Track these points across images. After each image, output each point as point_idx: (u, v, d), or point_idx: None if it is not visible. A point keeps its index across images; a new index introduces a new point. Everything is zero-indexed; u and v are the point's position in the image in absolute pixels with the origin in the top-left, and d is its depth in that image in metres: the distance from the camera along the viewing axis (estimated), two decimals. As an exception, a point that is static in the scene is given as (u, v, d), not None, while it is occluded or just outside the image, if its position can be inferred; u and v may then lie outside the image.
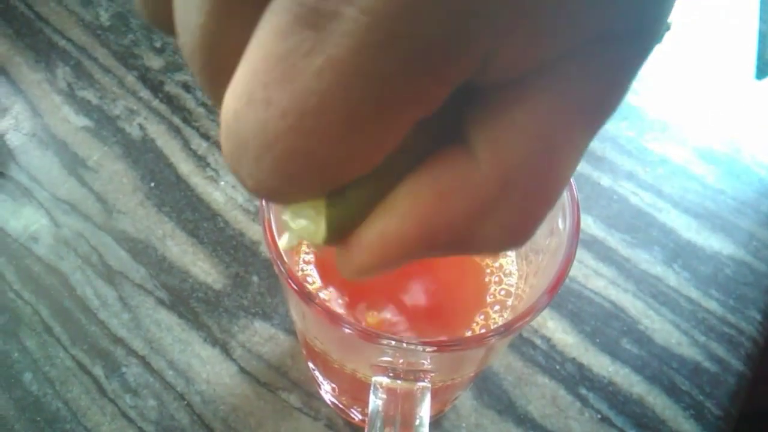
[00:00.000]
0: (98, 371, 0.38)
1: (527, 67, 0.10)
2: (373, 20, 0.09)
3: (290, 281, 0.21)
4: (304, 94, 0.09)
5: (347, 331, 0.20)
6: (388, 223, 0.12)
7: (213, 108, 0.50)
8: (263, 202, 0.23)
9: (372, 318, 0.29)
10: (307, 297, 0.21)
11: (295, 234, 0.12)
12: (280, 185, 0.11)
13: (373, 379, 0.24)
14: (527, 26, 0.09)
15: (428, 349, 0.20)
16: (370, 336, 0.20)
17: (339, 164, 0.10)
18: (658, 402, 0.38)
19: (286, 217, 0.12)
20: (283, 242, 0.13)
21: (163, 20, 0.12)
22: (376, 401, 0.24)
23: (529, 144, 0.11)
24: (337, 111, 0.09)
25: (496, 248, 0.12)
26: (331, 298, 0.30)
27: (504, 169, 0.11)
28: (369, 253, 0.12)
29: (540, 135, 0.11)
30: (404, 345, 0.20)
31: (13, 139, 0.48)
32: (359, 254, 0.12)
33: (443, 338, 0.22)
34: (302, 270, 0.30)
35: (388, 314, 0.29)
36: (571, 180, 0.24)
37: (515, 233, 0.12)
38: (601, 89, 0.11)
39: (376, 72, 0.09)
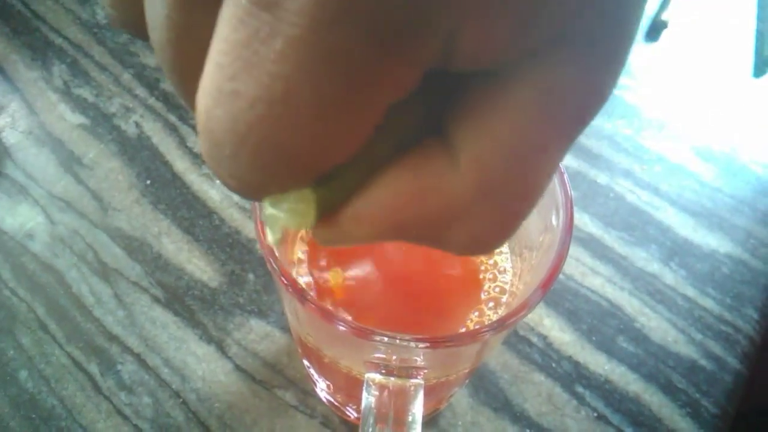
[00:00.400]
0: (93, 369, 0.38)
1: (495, 55, 0.10)
2: None
3: (283, 278, 0.21)
4: (269, 80, 0.09)
5: (340, 327, 0.20)
6: (364, 208, 0.12)
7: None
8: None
9: (335, 277, 0.29)
10: (300, 294, 0.21)
11: (280, 224, 0.12)
12: (261, 180, 0.10)
13: (366, 375, 0.24)
14: (486, 4, 0.09)
15: (421, 345, 0.20)
16: (362, 332, 0.20)
17: (315, 152, 0.10)
18: (654, 400, 0.38)
19: (266, 209, 0.12)
20: (269, 237, 0.13)
21: (135, 22, 0.11)
22: (368, 398, 0.24)
23: (507, 157, 0.11)
24: (304, 95, 0.09)
25: (462, 251, 0.12)
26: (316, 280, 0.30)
27: (481, 180, 0.11)
28: (341, 232, 0.12)
29: (518, 147, 0.11)
30: (397, 341, 0.20)
31: (9, 137, 0.48)
32: (333, 231, 0.12)
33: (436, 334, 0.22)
34: (296, 261, 0.30)
35: (353, 273, 0.29)
36: (565, 176, 0.24)
37: (482, 242, 0.12)
38: (579, 97, 0.11)
39: (335, 50, 0.09)
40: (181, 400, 0.37)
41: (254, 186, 0.11)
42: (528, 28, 0.10)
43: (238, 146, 0.10)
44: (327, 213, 0.12)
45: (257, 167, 0.10)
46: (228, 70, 0.09)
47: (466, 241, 0.12)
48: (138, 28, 0.11)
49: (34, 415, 0.36)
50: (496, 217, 0.12)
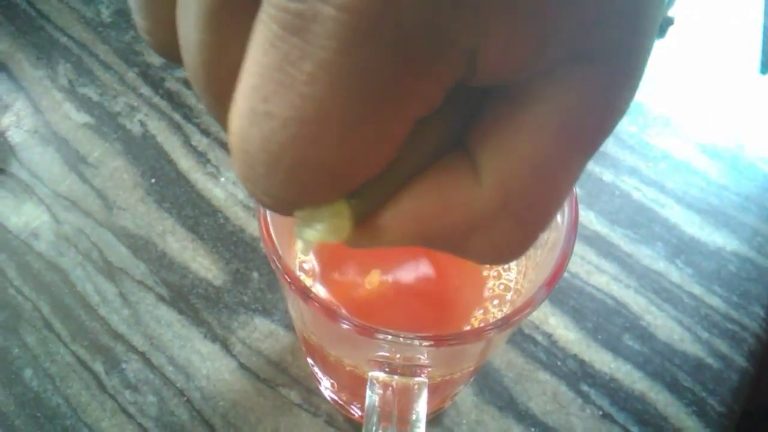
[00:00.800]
0: (98, 367, 0.38)
1: (516, 72, 0.10)
2: (352, 17, 0.09)
3: (286, 277, 0.21)
4: (301, 101, 0.09)
5: (343, 326, 0.20)
6: (392, 218, 0.12)
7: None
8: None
9: (372, 279, 0.29)
10: (304, 292, 0.21)
11: (316, 238, 0.12)
12: (296, 197, 0.11)
13: (370, 374, 0.24)
14: (507, 20, 0.09)
15: (425, 343, 0.20)
16: (366, 330, 0.20)
17: (347, 168, 0.10)
18: (660, 399, 0.38)
19: (300, 225, 0.12)
20: (301, 251, 0.13)
21: (170, 48, 0.12)
22: (372, 396, 0.24)
23: (528, 174, 0.11)
24: (335, 113, 0.09)
25: (483, 261, 0.13)
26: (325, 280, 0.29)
27: (503, 195, 0.12)
28: (370, 238, 0.13)
29: (539, 164, 0.11)
30: (401, 339, 0.20)
31: (15, 136, 0.48)
32: (362, 238, 0.13)
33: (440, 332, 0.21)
34: (300, 259, 0.30)
35: (356, 271, 0.29)
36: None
37: (503, 253, 0.13)
38: (597, 113, 0.11)
39: (363, 70, 0.09)
40: (185, 398, 0.37)
41: (288, 202, 0.11)
42: (547, 45, 0.10)
43: (272, 165, 0.10)
44: (358, 223, 0.13)
45: (291, 185, 0.10)
46: (261, 92, 0.10)
47: (488, 252, 0.13)
48: (173, 52, 0.12)
49: (39, 414, 0.37)
50: (517, 230, 0.12)
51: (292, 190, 0.11)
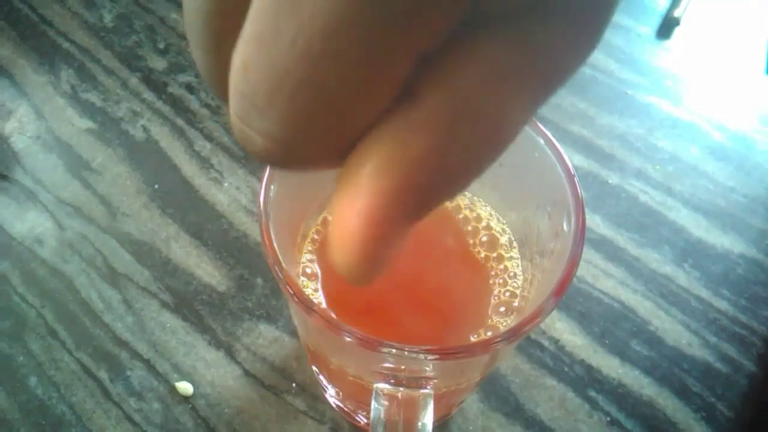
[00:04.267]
0: (103, 374, 0.38)
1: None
2: None
3: (289, 288, 0.21)
4: (311, 16, 0.09)
5: (347, 338, 0.20)
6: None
7: (217, 109, 0.49)
8: (261, 205, 0.23)
9: None
10: (306, 304, 0.21)
11: None
12: (294, 132, 0.10)
13: (375, 386, 0.24)
14: None
15: (430, 356, 0.20)
16: (371, 343, 0.20)
17: (351, 97, 0.10)
18: (668, 404, 0.37)
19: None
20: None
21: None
22: (378, 408, 0.23)
23: (474, 89, 0.11)
24: (344, 31, 0.09)
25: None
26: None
27: (445, 110, 0.11)
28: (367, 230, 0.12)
29: (484, 83, 0.11)
30: (406, 352, 0.20)
31: (18, 142, 0.48)
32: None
33: (446, 344, 0.21)
34: (304, 264, 0.30)
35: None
36: (576, 180, 0.23)
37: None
38: (556, 54, 0.11)
39: None
40: (190, 405, 0.37)
41: (286, 141, 0.11)
42: None
43: (275, 90, 0.10)
44: None
45: (291, 115, 0.10)
46: (270, 14, 0.09)
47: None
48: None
49: (43, 422, 0.36)
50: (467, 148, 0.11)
51: (290, 122, 0.10)
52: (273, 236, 0.22)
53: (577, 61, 0.12)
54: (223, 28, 0.11)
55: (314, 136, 0.11)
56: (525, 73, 0.11)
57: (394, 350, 0.19)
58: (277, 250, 0.22)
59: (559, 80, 0.12)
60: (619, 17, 0.56)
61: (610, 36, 0.55)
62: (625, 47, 0.54)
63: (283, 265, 0.21)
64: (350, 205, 0.11)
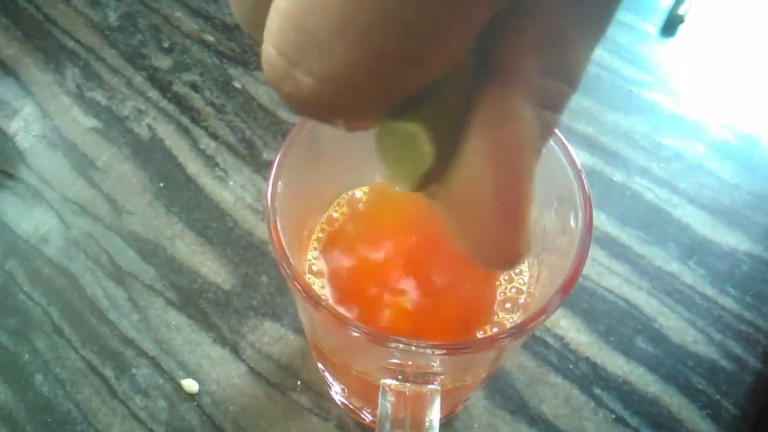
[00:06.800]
0: (108, 372, 0.38)
1: None
2: None
3: (296, 283, 0.21)
4: None
5: (354, 333, 0.20)
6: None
7: (221, 108, 0.49)
8: (269, 202, 0.23)
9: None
10: (314, 300, 0.21)
11: (403, 172, 0.12)
12: (356, 73, 0.09)
13: (382, 381, 0.24)
14: None
15: (437, 351, 0.20)
16: (378, 339, 0.20)
17: (428, 39, 0.09)
18: (673, 401, 0.37)
19: (385, 166, 0.12)
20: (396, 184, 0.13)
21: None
22: (385, 404, 0.23)
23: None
24: None
25: None
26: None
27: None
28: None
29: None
30: (413, 348, 0.20)
31: (23, 141, 0.48)
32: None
33: (453, 340, 0.21)
34: (310, 261, 0.30)
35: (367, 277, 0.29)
36: (583, 176, 0.23)
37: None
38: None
39: None
40: (195, 403, 0.37)
41: (341, 84, 0.10)
42: None
43: (345, 25, 0.09)
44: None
45: (358, 53, 0.09)
46: None
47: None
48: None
49: (49, 419, 0.37)
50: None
51: (356, 59, 0.09)
52: (281, 233, 0.22)
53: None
54: None
55: (376, 79, 0.10)
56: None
57: (401, 345, 0.19)
58: (285, 246, 0.22)
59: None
60: (623, 15, 0.56)
61: (614, 33, 0.55)
62: (629, 45, 0.54)
63: (291, 259, 0.21)
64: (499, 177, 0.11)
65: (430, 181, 0.12)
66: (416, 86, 0.10)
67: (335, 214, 0.32)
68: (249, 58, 0.52)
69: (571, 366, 0.38)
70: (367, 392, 0.30)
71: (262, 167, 0.46)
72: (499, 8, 0.10)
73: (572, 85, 0.12)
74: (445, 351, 0.20)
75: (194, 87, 0.51)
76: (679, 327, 0.40)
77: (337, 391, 0.35)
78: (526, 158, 0.11)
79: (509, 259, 0.12)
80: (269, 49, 0.10)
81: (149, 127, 0.49)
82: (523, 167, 0.11)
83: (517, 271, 0.30)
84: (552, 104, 0.12)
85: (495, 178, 0.11)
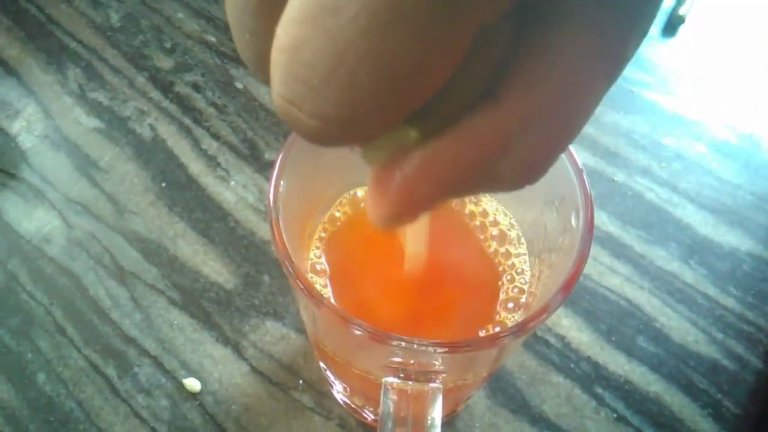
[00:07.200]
0: (111, 371, 0.38)
1: None
2: None
3: (299, 282, 0.21)
4: None
5: (357, 332, 0.20)
6: (416, 165, 0.12)
7: (223, 108, 0.50)
8: (271, 202, 0.23)
9: None
10: (317, 298, 0.21)
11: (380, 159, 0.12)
12: (353, 111, 0.10)
13: (384, 380, 0.24)
14: None
15: (440, 350, 0.20)
16: (380, 337, 0.20)
17: (415, 69, 0.10)
18: (675, 401, 0.37)
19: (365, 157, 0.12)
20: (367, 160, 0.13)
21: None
22: (387, 402, 0.23)
23: (550, 86, 0.11)
24: (409, 4, 0.09)
25: (513, 184, 0.13)
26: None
27: (523, 108, 0.12)
28: (399, 195, 0.13)
29: (561, 78, 0.11)
30: (415, 346, 0.20)
31: (26, 141, 0.48)
32: (390, 196, 0.13)
33: (455, 338, 0.21)
34: (312, 261, 0.30)
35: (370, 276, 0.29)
36: (584, 175, 0.23)
37: (531, 169, 0.13)
38: (621, 36, 0.12)
39: None
40: (198, 402, 0.37)
41: (342, 121, 0.10)
42: None
43: (333, 68, 0.10)
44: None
45: (351, 91, 0.10)
46: None
47: (517, 170, 0.13)
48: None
49: (52, 418, 0.37)
50: (542, 141, 0.12)
51: (350, 99, 0.10)
52: (283, 231, 0.22)
53: (637, 41, 0.12)
54: (268, 8, 0.11)
55: (373, 112, 0.10)
56: (596, 65, 0.12)
57: (403, 343, 0.19)
58: (287, 245, 0.22)
59: (622, 66, 0.12)
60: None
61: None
62: (630, 45, 0.54)
63: (293, 258, 0.21)
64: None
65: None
66: (412, 108, 0.11)
67: (337, 214, 0.32)
68: (251, 58, 0.52)
69: (572, 365, 0.38)
70: (369, 391, 0.30)
71: (263, 167, 0.46)
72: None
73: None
74: (447, 349, 0.20)
75: (196, 87, 0.51)
76: (680, 326, 0.40)
77: (339, 390, 0.35)
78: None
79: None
80: (277, 98, 0.11)
81: (151, 127, 0.49)
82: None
83: (519, 270, 0.30)
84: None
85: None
